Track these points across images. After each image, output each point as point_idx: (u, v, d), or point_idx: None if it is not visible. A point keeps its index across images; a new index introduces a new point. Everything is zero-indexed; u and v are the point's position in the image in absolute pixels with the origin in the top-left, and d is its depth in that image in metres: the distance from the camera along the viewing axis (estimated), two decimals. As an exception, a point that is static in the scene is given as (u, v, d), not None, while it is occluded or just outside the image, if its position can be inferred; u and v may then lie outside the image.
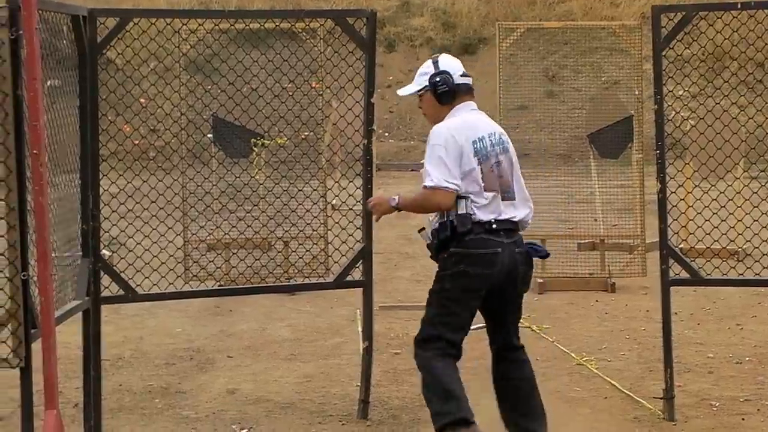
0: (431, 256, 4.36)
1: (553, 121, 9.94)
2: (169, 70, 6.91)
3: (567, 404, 5.64)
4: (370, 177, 5.25)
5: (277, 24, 6.02)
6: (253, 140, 7.83)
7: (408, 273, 9.66)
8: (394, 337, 7.13)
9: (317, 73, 7.86)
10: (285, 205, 6.21)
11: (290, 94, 6.01)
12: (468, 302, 4.26)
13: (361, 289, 5.34)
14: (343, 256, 5.58)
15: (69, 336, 4.82)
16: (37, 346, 3.61)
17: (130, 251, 5.19)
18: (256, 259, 6.22)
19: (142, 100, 6.08)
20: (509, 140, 4.46)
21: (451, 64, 4.40)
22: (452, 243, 4.21)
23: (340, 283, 5.43)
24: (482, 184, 4.23)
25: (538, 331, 7.42)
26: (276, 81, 5.77)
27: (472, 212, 4.20)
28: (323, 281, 7.32)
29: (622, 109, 9.13)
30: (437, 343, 4.23)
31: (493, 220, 4.24)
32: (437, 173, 4.16)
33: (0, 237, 3.77)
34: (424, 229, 4.37)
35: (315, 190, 7.76)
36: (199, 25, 6.27)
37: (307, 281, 7.74)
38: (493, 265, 4.18)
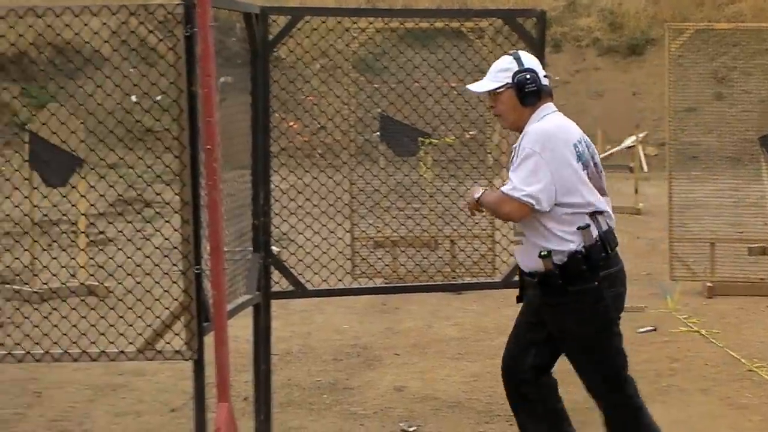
0: (543, 295, 3.83)
1: (722, 123, 9.81)
2: (338, 68, 7.11)
3: (737, 411, 5.57)
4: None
5: (446, 23, 6.13)
6: (420, 139, 8.03)
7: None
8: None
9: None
10: (453, 203, 6.23)
11: (458, 92, 6.06)
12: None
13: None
14: (510, 255, 5.56)
15: (239, 330, 5.03)
16: (209, 340, 3.72)
17: (299, 247, 5.36)
18: (423, 258, 6.42)
19: (311, 98, 6.30)
20: None
21: (534, 62, 4.05)
22: (599, 267, 3.78)
23: (508, 283, 5.38)
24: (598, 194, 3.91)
25: (707, 335, 7.33)
26: (444, 80, 5.92)
27: (610, 228, 3.88)
28: (491, 281, 7.25)
29: (796, 112, 9.22)
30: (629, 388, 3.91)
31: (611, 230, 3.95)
32: (519, 181, 3.79)
33: (174, 231, 3.96)
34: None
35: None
36: (369, 24, 6.51)
37: (474, 280, 7.88)
38: (625, 283, 3.95)
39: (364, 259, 7.90)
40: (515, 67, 3.87)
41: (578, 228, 3.75)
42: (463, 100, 6.12)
